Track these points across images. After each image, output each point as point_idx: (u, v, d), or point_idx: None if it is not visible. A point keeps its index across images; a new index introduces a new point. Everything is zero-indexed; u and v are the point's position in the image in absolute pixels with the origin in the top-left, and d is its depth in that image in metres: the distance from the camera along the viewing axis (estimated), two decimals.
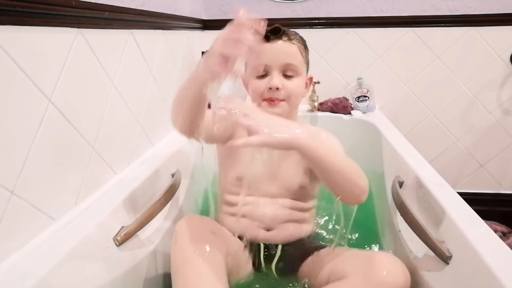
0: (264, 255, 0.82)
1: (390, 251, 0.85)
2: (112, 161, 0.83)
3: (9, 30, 0.53)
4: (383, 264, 0.63)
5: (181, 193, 0.98)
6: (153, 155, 1.00)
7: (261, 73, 0.82)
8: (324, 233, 0.95)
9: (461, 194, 0.75)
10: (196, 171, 1.16)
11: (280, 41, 0.81)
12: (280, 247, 0.82)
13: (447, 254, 0.63)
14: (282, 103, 0.81)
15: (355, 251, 0.74)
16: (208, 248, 0.65)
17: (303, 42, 0.86)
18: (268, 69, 0.81)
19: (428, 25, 1.51)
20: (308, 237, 0.87)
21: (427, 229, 0.69)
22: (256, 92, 0.83)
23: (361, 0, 1.53)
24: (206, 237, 0.67)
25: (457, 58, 1.54)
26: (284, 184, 0.86)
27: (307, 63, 0.87)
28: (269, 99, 0.81)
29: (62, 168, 0.66)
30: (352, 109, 1.53)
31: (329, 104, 1.53)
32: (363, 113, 1.51)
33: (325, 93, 1.57)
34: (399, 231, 0.85)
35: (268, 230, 0.84)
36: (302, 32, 1.66)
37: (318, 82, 1.51)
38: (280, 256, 0.82)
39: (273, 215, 0.84)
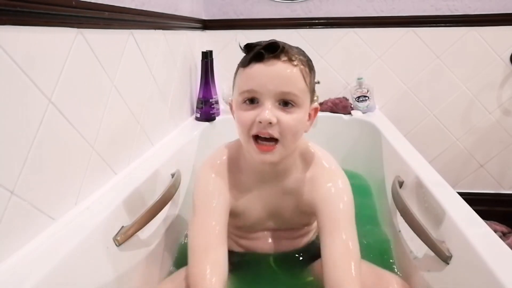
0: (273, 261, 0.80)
1: (399, 273, 0.82)
2: (112, 161, 0.83)
3: (9, 30, 0.53)
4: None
5: (181, 193, 0.98)
6: (153, 155, 1.00)
7: (248, 100, 0.63)
8: None
9: (461, 194, 0.75)
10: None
11: (277, 62, 0.61)
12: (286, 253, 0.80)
13: (447, 254, 0.63)
14: (277, 147, 0.63)
15: (366, 267, 0.68)
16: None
17: (308, 63, 0.65)
18: (259, 97, 0.62)
19: (428, 25, 1.51)
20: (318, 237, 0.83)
21: (427, 229, 0.69)
22: (243, 125, 0.64)
23: (361, 0, 1.53)
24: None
25: (457, 58, 1.54)
26: (285, 222, 0.78)
27: (312, 91, 0.67)
28: (258, 137, 0.63)
29: (62, 168, 0.66)
30: (352, 109, 1.53)
31: (329, 104, 1.53)
32: (363, 113, 1.51)
33: (325, 93, 1.57)
34: (399, 231, 0.85)
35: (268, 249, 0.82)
36: (302, 32, 1.66)
37: (318, 82, 1.50)
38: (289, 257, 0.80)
39: (276, 248, 0.80)
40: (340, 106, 1.51)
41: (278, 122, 0.61)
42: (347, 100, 1.55)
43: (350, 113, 1.50)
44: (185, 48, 1.32)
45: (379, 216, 1.06)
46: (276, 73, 0.61)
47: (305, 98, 0.64)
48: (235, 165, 0.74)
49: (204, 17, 1.58)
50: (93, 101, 0.76)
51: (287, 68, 0.61)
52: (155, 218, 0.78)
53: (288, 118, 0.62)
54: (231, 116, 0.71)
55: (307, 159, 0.73)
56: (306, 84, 0.63)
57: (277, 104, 0.62)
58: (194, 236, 0.66)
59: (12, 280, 0.50)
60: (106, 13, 0.78)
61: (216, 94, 1.41)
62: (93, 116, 0.76)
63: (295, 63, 0.62)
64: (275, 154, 0.64)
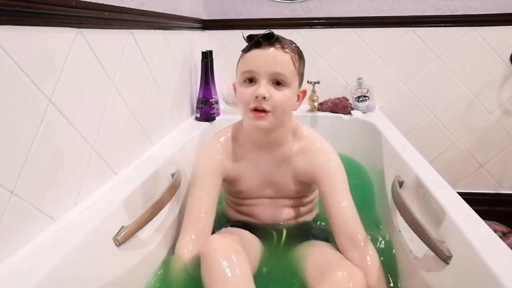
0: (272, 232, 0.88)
1: (399, 273, 0.82)
2: (112, 161, 0.83)
3: (9, 30, 0.53)
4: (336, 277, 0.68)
5: (181, 193, 0.98)
6: (153, 155, 1.00)
7: (248, 79, 0.79)
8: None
9: (461, 194, 0.75)
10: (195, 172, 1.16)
11: (271, 48, 0.76)
12: (284, 231, 0.88)
13: (447, 254, 0.63)
14: (269, 115, 0.77)
15: (325, 256, 0.77)
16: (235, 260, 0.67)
17: (298, 52, 0.80)
18: (257, 76, 0.77)
19: (428, 25, 1.51)
20: (314, 220, 0.94)
21: (427, 229, 0.69)
22: (243, 100, 0.79)
23: (361, 0, 1.53)
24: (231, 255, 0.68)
25: (457, 58, 1.54)
26: (282, 190, 0.90)
27: (301, 75, 0.82)
28: (255, 110, 0.77)
29: (62, 168, 0.66)
30: (352, 109, 1.53)
31: (329, 104, 1.53)
32: (363, 113, 1.51)
33: (325, 93, 1.57)
34: (399, 231, 0.85)
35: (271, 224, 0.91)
36: (302, 32, 1.66)
37: (318, 82, 1.51)
38: (287, 231, 0.87)
39: (274, 216, 0.91)
40: (340, 106, 1.51)
41: (271, 97, 0.76)
42: (347, 100, 1.55)
43: (350, 113, 1.50)
44: (185, 48, 1.32)
45: (379, 216, 1.06)
46: (270, 57, 0.76)
47: (294, 79, 0.78)
48: (235, 139, 0.90)
49: (204, 17, 1.59)
50: (93, 101, 0.76)
51: (280, 53, 0.76)
52: (155, 218, 0.78)
53: (279, 94, 0.77)
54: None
55: (297, 134, 0.88)
56: (295, 68, 0.78)
57: (270, 83, 0.77)
58: (189, 208, 0.85)
59: (12, 280, 0.50)
60: (106, 13, 0.78)
61: (216, 94, 1.41)
62: (93, 116, 0.76)
63: (286, 50, 0.77)
64: (266, 120, 0.78)
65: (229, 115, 1.47)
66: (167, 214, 0.90)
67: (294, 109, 0.83)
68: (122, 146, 0.89)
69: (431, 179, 0.83)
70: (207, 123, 1.37)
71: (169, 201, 0.85)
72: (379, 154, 1.20)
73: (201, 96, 1.37)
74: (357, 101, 1.53)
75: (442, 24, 1.51)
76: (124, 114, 0.89)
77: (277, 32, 0.78)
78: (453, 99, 1.59)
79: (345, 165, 0.89)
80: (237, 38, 1.58)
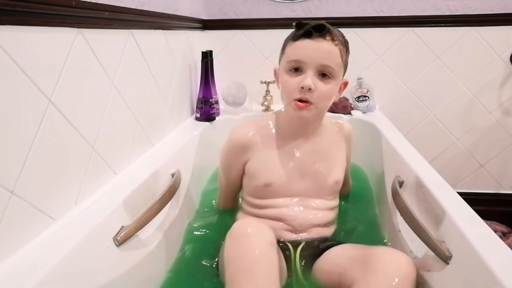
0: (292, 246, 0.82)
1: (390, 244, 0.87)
2: (112, 161, 0.83)
3: (9, 30, 0.53)
4: (384, 261, 0.63)
5: (181, 193, 0.98)
6: (153, 155, 1.00)
7: (294, 68, 0.77)
8: (343, 233, 0.93)
9: (461, 194, 0.75)
10: (196, 171, 1.16)
11: (322, 40, 0.75)
12: (302, 243, 0.82)
13: (447, 254, 0.63)
14: (312, 106, 0.77)
15: (357, 250, 0.73)
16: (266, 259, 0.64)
17: (345, 44, 0.81)
18: (304, 66, 0.76)
19: (428, 25, 1.51)
20: (332, 235, 0.88)
21: (427, 229, 0.69)
22: (287, 90, 0.79)
23: (361, 0, 1.53)
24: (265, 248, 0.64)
25: (457, 58, 1.54)
26: (319, 181, 0.86)
27: (345, 67, 0.82)
28: (299, 100, 0.76)
29: (62, 168, 0.66)
30: (352, 109, 1.53)
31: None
32: (363, 113, 1.51)
33: None
34: (399, 231, 0.85)
35: (295, 232, 0.84)
36: None
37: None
38: (302, 249, 0.81)
39: (304, 219, 0.84)
40: (340, 106, 1.51)
41: (316, 88, 0.75)
42: (347, 100, 1.55)
43: (350, 113, 1.50)
44: (185, 48, 1.32)
45: (379, 216, 1.06)
46: (320, 49, 0.75)
47: (339, 72, 0.79)
48: (273, 126, 0.88)
49: (204, 17, 1.58)
50: (93, 101, 0.76)
51: (330, 46, 0.75)
52: (155, 218, 0.78)
53: (324, 87, 0.77)
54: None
55: (332, 122, 0.92)
56: (342, 61, 0.79)
57: (316, 74, 0.76)
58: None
59: (12, 280, 0.50)
60: (106, 13, 0.78)
61: (216, 94, 1.41)
62: (93, 116, 0.76)
63: (336, 42, 0.76)
64: (309, 111, 0.78)
65: (229, 115, 1.47)
66: (167, 214, 0.90)
67: (335, 100, 0.84)
68: (122, 146, 0.89)
69: (431, 179, 0.83)
70: (207, 123, 1.37)
71: (169, 201, 0.85)
72: (379, 154, 1.20)
73: (201, 96, 1.37)
74: (357, 101, 1.53)
75: (442, 24, 1.51)
76: (124, 114, 0.89)
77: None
78: (453, 99, 1.59)
79: None
80: (237, 38, 1.60)
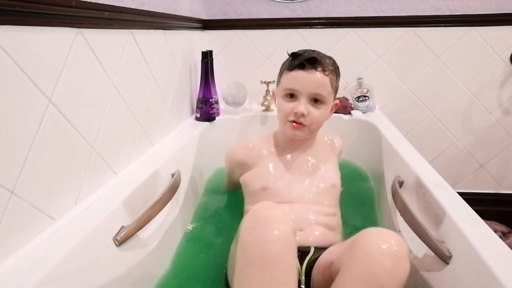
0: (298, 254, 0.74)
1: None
2: (112, 161, 0.83)
3: (9, 30, 0.53)
4: (371, 242, 0.58)
5: (181, 193, 0.98)
6: (153, 155, 1.00)
7: (289, 95, 0.87)
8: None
9: (461, 194, 0.75)
10: (196, 171, 1.16)
11: (314, 71, 0.84)
12: (312, 248, 0.76)
13: (447, 254, 0.63)
14: (305, 128, 0.87)
15: (348, 240, 0.68)
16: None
17: (336, 72, 0.89)
18: (298, 94, 0.86)
19: (428, 25, 1.51)
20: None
21: (427, 229, 0.69)
22: (282, 112, 0.88)
23: (361, 0, 1.53)
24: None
25: (457, 58, 1.54)
26: (316, 186, 0.90)
27: (336, 91, 0.91)
28: (293, 122, 0.86)
29: (62, 168, 0.66)
30: (352, 109, 1.53)
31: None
32: (363, 113, 1.51)
33: None
34: (399, 231, 0.85)
35: (300, 230, 0.81)
36: (302, 32, 1.66)
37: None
38: (312, 257, 0.74)
39: (306, 217, 0.84)
40: (340, 106, 1.50)
41: (308, 114, 0.85)
42: (347, 100, 1.55)
43: (350, 113, 1.50)
44: (185, 48, 1.32)
45: (379, 216, 1.06)
46: (312, 80, 0.84)
47: (330, 97, 0.88)
48: (271, 139, 0.97)
49: (204, 17, 1.58)
50: (93, 101, 0.76)
51: (321, 76, 0.84)
52: (155, 218, 0.78)
53: (316, 112, 0.86)
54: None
55: (330, 139, 1.01)
56: (332, 88, 0.88)
57: (309, 100, 0.86)
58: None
59: (13, 279, 0.50)
60: (106, 13, 0.78)
61: (216, 94, 1.41)
62: (93, 116, 0.76)
63: (326, 73, 0.85)
64: (303, 132, 0.88)
65: (229, 115, 1.47)
66: (167, 214, 0.90)
67: (327, 119, 0.92)
68: (122, 146, 0.89)
69: (431, 179, 0.83)
70: (207, 123, 1.37)
71: (169, 201, 0.85)
72: (379, 154, 1.20)
73: (201, 96, 1.37)
74: (357, 101, 1.53)
75: (442, 24, 1.51)
76: (124, 114, 0.89)
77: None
78: (453, 99, 1.59)
79: (345, 165, 0.89)
80: (237, 38, 1.60)
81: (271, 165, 0.92)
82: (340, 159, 1.03)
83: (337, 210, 0.91)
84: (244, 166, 0.95)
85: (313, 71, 0.84)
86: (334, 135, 1.03)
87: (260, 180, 0.90)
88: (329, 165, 0.96)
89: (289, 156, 0.94)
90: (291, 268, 0.60)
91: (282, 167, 0.92)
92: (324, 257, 0.73)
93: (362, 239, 0.60)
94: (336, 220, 0.89)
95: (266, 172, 0.91)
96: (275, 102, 0.95)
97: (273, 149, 0.95)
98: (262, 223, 0.60)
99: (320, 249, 0.76)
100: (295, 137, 0.89)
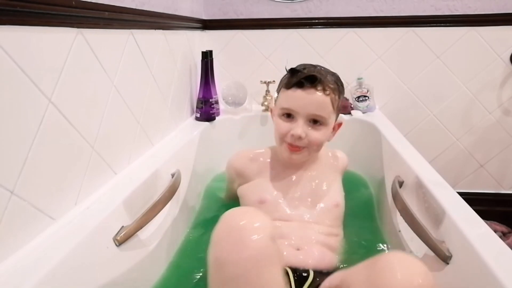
0: (294, 279, 0.67)
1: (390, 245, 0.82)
2: (112, 161, 0.83)
3: (9, 30, 0.53)
4: (392, 266, 0.50)
5: (181, 193, 0.98)
6: (153, 155, 1.00)
7: (286, 114, 0.81)
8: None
9: (461, 194, 0.75)
10: (196, 171, 1.16)
11: (313, 91, 0.77)
12: (311, 273, 0.69)
13: (447, 254, 0.63)
14: (304, 150, 0.81)
15: (360, 265, 0.58)
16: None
17: (338, 89, 0.82)
18: (295, 114, 0.80)
19: (428, 25, 1.51)
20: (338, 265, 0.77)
21: (427, 229, 0.69)
22: (279, 132, 0.83)
23: (361, 0, 1.53)
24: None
25: (457, 58, 1.54)
26: (317, 204, 0.84)
27: (338, 111, 0.85)
28: (290, 144, 0.81)
29: (62, 168, 0.66)
30: (352, 109, 1.53)
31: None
32: (363, 113, 1.51)
33: None
34: (399, 231, 0.85)
35: (298, 249, 0.75)
36: (302, 32, 1.66)
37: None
38: (311, 283, 0.67)
39: (304, 235, 0.78)
40: (340, 106, 1.51)
41: (306, 136, 0.79)
42: (347, 100, 1.55)
43: (350, 113, 1.50)
44: (185, 48, 1.32)
45: (379, 216, 1.06)
46: (311, 100, 0.77)
47: (331, 118, 0.81)
48: (269, 155, 0.91)
49: (204, 17, 1.58)
50: (93, 101, 0.76)
51: (320, 97, 0.78)
52: (155, 218, 0.78)
53: (315, 134, 0.80)
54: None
55: (328, 153, 0.95)
56: (333, 108, 0.81)
57: (308, 122, 0.79)
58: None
59: (12, 280, 0.50)
60: (106, 13, 0.78)
61: (216, 94, 1.41)
62: (93, 116, 0.76)
63: (327, 92, 0.78)
64: (300, 155, 0.82)
65: (229, 115, 1.47)
66: (167, 214, 0.90)
67: (329, 141, 0.86)
68: (122, 146, 0.89)
69: (431, 179, 0.83)
70: (207, 123, 1.37)
71: (169, 201, 0.85)
72: (379, 154, 1.20)
73: (201, 96, 1.37)
74: (357, 101, 1.53)
75: (442, 24, 1.51)
76: (124, 114, 0.89)
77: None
78: (453, 99, 1.59)
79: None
80: (237, 38, 1.60)
81: (270, 179, 0.87)
82: None
83: (339, 231, 0.85)
84: (242, 176, 0.91)
85: (312, 90, 0.77)
86: (337, 150, 0.98)
87: (257, 192, 0.86)
88: (332, 183, 0.90)
89: (289, 172, 0.88)
90: (277, 285, 0.53)
91: (282, 182, 0.87)
92: (333, 278, 0.64)
93: (384, 268, 0.50)
94: (338, 241, 0.82)
95: (264, 186, 0.86)
96: (272, 119, 0.88)
97: (273, 164, 0.90)
98: (234, 234, 0.52)
99: (319, 273, 0.70)
100: (292, 160, 0.84)
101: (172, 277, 0.82)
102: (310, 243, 0.76)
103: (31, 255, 0.55)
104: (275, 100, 0.87)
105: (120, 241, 0.67)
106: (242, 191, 0.90)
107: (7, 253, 0.55)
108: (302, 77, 0.77)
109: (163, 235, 0.84)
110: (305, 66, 0.82)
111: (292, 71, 0.81)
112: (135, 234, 0.72)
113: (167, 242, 0.86)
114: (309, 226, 0.80)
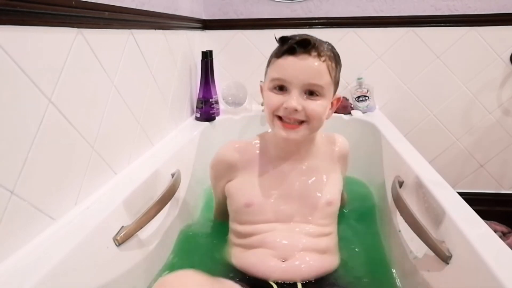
0: None
1: (398, 273, 0.78)
2: (112, 161, 0.83)
3: (9, 30, 0.53)
4: None
5: (181, 193, 0.98)
6: (153, 155, 1.00)
7: (278, 87, 0.71)
8: (351, 268, 0.78)
9: (461, 194, 0.75)
10: (196, 171, 1.16)
11: (307, 56, 0.68)
12: (299, 286, 0.67)
13: (447, 254, 0.63)
14: (302, 126, 0.70)
15: None
16: None
17: (335, 58, 0.73)
18: (288, 85, 0.69)
19: (428, 25, 1.51)
20: (333, 273, 0.73)
21: (427, 229, 0.69)
22: (269, 107, 0.71)
23: (361, 0, 1.53)
24: None
25: (457, 58, 1.54)
26: (309, 203, 0.76)
27: (337, 83, 0.75)
28: (284, 120, 0.70)
29: (62, 168, 0.66)
30: (352, 109, 1.53)
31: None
32: (363, 113, 1.51)
33: None
34: (399, 231, 0.85)
35: (284, 260, 0.71)
36: (302, 32, 1.66)
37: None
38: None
39: (291, 244, 0.72)
40: (340, 106, 1.50)
41: (304, 109, 0.69)
42: (347, 100, 1.55)
43: (350, 113, 1.50)
44: (185, 48, 1.32)
45: (379, 216, 1.06)
46: (305, 67, 0.68)
47: (329, 89, 0.71)
48: (259, 145, 0.82)
49: (204, 17, 1.58)
50: (93, 101, 0.76)
51: (315, 63, 0.68)
52: (155, 218, 0.78)
53: (312, 105, 0.69)
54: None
55: (327, 139, 0.85)
56: (331, 78, 0.71)
57: (303, 93, 0.70)
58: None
59: (12, 280, 0.50)
60: (106, 13, 0.78)
61: (216, 94, 1.41)
62: (93, 116, 0.76)
63: (323, 58, 0.69)
64: (299, 132, 0.71)
65: (229, 115, 1.47)
66: (167, 214, 0.90)
67: (327, 118, 0.75)
68: (122, 146, 0.89)
69: (431, 179, 0.83)
70: (207, 123, 1.37)
71: (169, 201, 0.85)
72: (379, 154, 1.20)
73: (201, 96, 1.37)
74: (357, 101, 1.53)
75: (442, 24, 1.51)
76: (124, 114, 0.89)
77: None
78: (453, 99, 1.59)
79: None
80: (237, 38, 1.60)
81: (258, 175, 0.78)
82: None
83: (332, 228, 0.79)
84: (232, 170, 0.80)
85: (305, 56, 0.68)
86: (335, 134, 0.87)
87: (244, 194, 0.77)
88: (329, 175, 0.80)
89: (280, 164, 0.79)
90: None
91: (270, 179, 0.78)
92: None
93: None
94: (330, 240, 0.78)
95: (251, 185, 0.78)
96: (262, 96, 0.78)
97: (263, 156, 0.80)
98: None
99: (307, 284, 0.68)
100: (290, 139, 0.72)
101: None
102: (297, 251, 0.72)
103: (31, 255, 0.55)
104: (265, 76, 0.76)
105: (120, 241, 0.67)
106: (229, 190, 0.81)
107: (7, 253, 0.55)
108: (294, 42, 0.68)
109: (163, 235, 0.84)
110: (295, 34, 0.72)
111: (283, 39, 0.71)
112: (135, 234, 0.72)
113: (167, 242, 0.86)
114: (298, 229, 0.75)
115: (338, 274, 0.74)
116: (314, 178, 0.79)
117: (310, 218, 0.76)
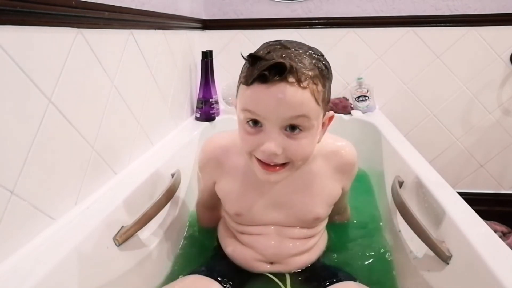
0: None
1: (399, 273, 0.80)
2: (112, 161, 0.83)
3: (9, 30, 0.53)
4: None
5: (181, 193, 0.98)
6: (153, 155, 1.00)
7: (251, 120, 0.58)
8: (335, 254, 0.83)
9: (461, 194, 0.75)
10: (196, 171, 1.16)
11: (284, 85, 0.53)
12: (288, 277, 0.71)
13: (447, 254, 0.63)
14: (286, 168, 0.60)
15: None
16: None
17: (321, 74, 0.58)
18: (263, 121, 0.56)
19: (428, 25, 1.51)
20: (319, 259, 0.77)
21: (427, 229, 0.69)
22: (244, 148, 0.61)
23: (361, 0, 1.53)
24: None
25: (457, 58, 1.54)
26: (295, 215, 0.73)
27: (326, 104, 0.61)
28: (263, 162, 0.59)
29: (62, 168, 0.66)
30: (352, 109, 1.53)
31: (329, 104, 1.53)
32: (363, 113, 1.51)
33: None
34: (399, 231, 0.85)
35: (270, 263, 0.75)
36: (302, 32, 1.66)
37: None
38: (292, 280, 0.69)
39: (278, 249, 0.73)
40: (340, 106, 1.51)
41: (285, 151, 0.57)
42: (347, 100, 1.55)
43: (350, 113, 1.50)
44: (185, 48, 1.32)
45: (379, 216, 1.06)
46: (282, 99, 0.53)
47: (317, 115, 0.58)
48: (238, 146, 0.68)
49: (204, 17, 1.58)
50: (93, 101, 0.76)
51: (296, 92, 0.53)
52: (155, 218, 0.78)
53: (295, 145, 0.57)
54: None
55: (333, 150, 0.73)
56: (318, 103, 0.57)
57: (283, 130, 0.57)
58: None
59: (12, 280, 0.50)
60: (106, 13, 0.78)
61: (216, 94, 1.41)
62: (93, 116, 0.76)
63: (305, 83, 0.54)
64: (281, 174, 0.61)
65: (229, 115, 1.47)
66: (167, 214, 0.90)
67: (318, 142, 0.63)
68: (122, 146, 0.89)
69: (431, 179, 0.83)
70: (207, 123, 1.37)
71: (169, 201, 0.85)
72: (379, 154, 1.20)
73: (201, 96, 1.37)
74: (357, 101, 1.53)
75: (442, 24, 1.51)
76: (124, 114, 0.89)
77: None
78: (453, 99, 1.59)
79: None
80: (237, 38, 1.60)
81: (244, 185, 0.71)
82: None
83: (320, 228, 0.78)
84: (220, 168, 0.74)
85: (282, 84, 0.53)
86: (342, 145, 0.74)
87: (234, 204, 0.74)
88: (323, 188, 0.72)
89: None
90: None
91: (258, 187, 0.71)
92: None
93: None
94: (318, 236, 0.78)
95: (239, 195, 0.72)
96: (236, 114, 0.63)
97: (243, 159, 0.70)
98: None
99: (296, 273, 0.74)
100: (270, 181, 0.64)
101: (172, 277, 0.82)
102: (284, 257, 0.74)
103: (31, 255, 0.55)
104: (236, 95, 0.62)
105: (120, 241, 0.67)
106: (220, 192, 0.76)
107: (7, 253, 0.55)
108: (264, 68, 0.52)
109: (163, 235, 0.84)
110: (270, 49, 0.56)
111: (253, 58, 0.56)
112: (135, 234, 0.72)
113: (167, 242, 0.86)
114: (286, 233, 0.74)
115: (326, 255, 0.79)
116: (301, 190, 0.71)
117: (297, 226, 0.75)
